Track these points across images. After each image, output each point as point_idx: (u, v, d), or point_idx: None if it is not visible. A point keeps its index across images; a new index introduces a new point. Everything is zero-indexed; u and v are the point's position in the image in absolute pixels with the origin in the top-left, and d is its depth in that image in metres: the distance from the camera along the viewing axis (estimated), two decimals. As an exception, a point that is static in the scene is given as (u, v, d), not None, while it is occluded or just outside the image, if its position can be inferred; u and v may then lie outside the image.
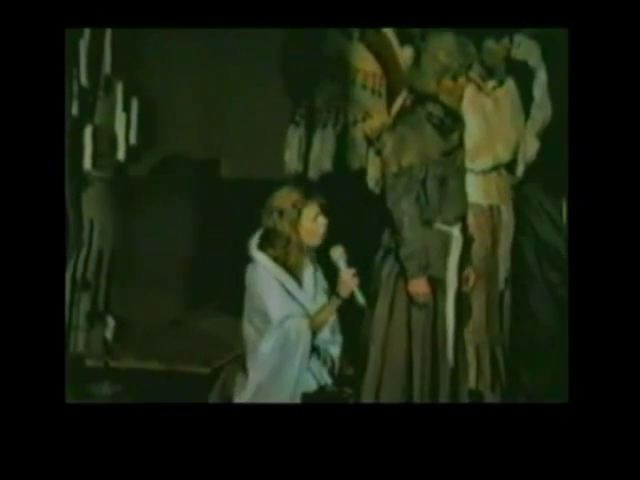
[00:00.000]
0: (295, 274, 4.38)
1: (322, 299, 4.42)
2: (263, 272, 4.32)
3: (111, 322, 5.86)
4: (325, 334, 4.42)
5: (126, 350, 5.80)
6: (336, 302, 4.38)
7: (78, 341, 5.76)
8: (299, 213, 4.32)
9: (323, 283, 4.46)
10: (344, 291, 4.35)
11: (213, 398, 4.44)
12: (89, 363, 5.64)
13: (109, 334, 5.84)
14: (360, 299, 4.33)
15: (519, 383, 5.14)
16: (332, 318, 4.42)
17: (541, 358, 5.09)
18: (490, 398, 5.01)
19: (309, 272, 4.42)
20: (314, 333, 4.34)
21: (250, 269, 4.35)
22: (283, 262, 4.35)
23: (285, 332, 4.27)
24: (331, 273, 4.42)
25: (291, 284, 4.35)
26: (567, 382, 3.77)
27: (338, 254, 4.36)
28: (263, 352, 4.28)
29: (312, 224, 4.35)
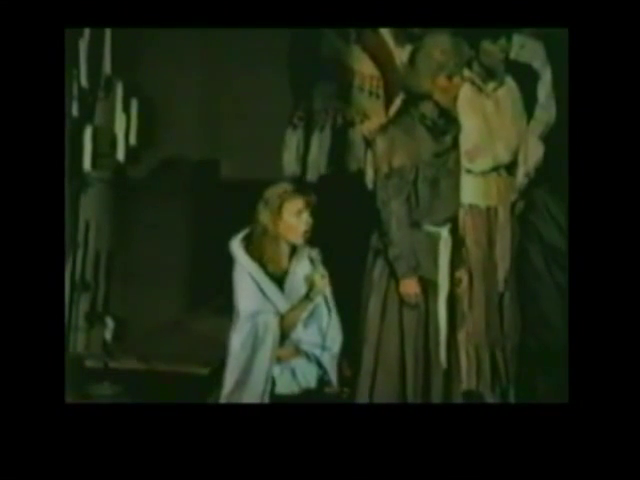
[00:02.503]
0: (271, 271, 4.35)
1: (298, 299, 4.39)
2: (238, 267, 4.32)
3: (110, 323, 5.85)
4: (315, 338, 4.40)
5: (125, 351, 5.80)
6: (306, 303, 4.36)
7: (78, 342, 5.76)
8: (281, 204, 4.29)
9: (302, 283, 4.41)
10: (313, 293, 4.35)
11: (212, 398, 4.44)
12: (89, 364, 5.65)
13: (108, 335, 5.83)
14: (327, 302, 4.34)
15: (521, 384, 5.13)
16: (304, 315, 4.36)
17: (553, 360, 5.08)
18: (490, 399, 5.00)
19: (288, 270, 4.38)
20: (285, 332, 4.32)
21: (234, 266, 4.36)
22: (259, 258, 4.32)
23: (254, 327, 4.26)
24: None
25: (265, 281, 4.32)
26: (567, 382, 3.78)
27: (313, 255, 4.36)
28: (234, 348, 4.28)
29: (294, 219, 4.31)
